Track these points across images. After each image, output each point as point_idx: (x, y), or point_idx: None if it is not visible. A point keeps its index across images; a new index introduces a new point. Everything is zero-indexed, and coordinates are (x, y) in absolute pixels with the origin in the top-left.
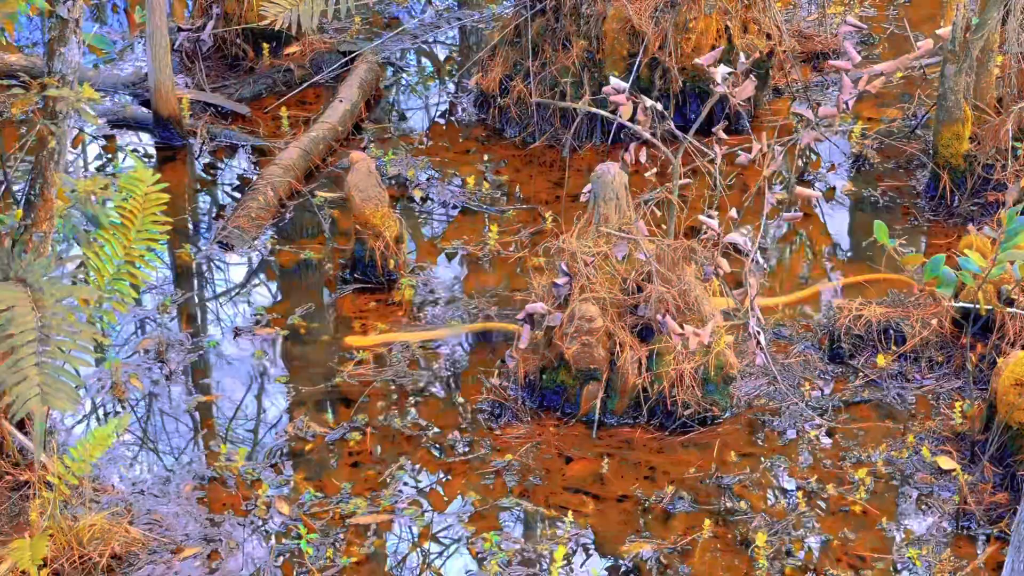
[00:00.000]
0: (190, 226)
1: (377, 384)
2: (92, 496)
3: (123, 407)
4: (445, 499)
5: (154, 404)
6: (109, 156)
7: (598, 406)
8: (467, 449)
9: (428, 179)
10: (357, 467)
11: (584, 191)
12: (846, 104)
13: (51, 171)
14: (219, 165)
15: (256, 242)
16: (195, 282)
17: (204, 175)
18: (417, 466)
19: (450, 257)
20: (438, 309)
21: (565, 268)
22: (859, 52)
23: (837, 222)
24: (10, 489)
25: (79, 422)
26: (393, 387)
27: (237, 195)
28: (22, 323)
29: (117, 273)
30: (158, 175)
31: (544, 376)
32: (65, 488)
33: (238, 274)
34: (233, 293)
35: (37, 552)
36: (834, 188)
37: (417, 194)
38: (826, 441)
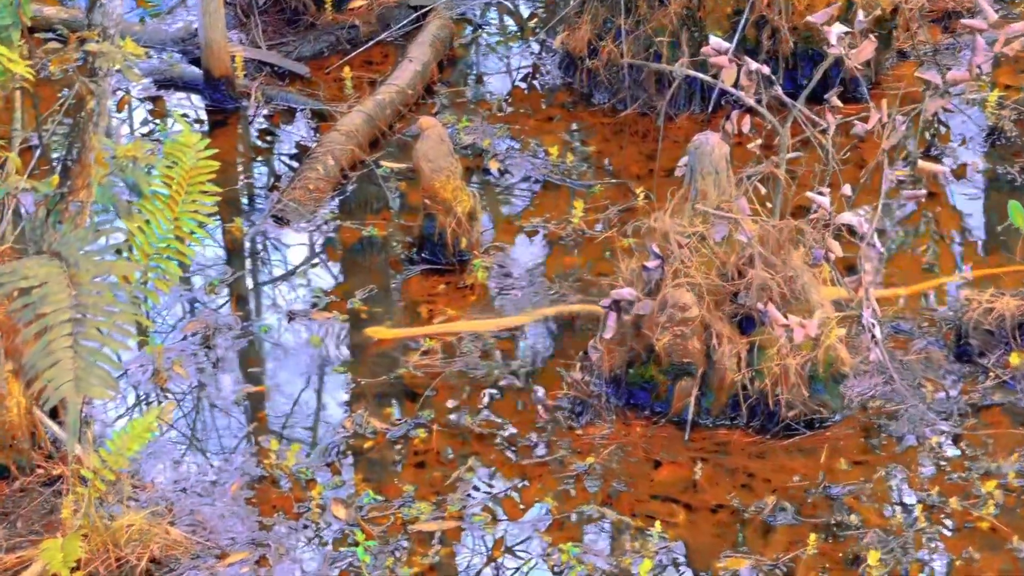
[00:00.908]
0: (243, 198)
1: (446, 376)
2: (130, 493)
3: (166, 396)
4: (520, 506)
5: (200, 394)
6: (156, 120)
7: (692, 405)
8: (545, 451)
9: (507, 149)
10: (422, 468)
11: (679, 164)
12: (980, 69)
13: (90, 134)
14: (275, 131)
15: (314, 217)
16: (247, 260)
17: (258, 142)
18: (489, 468)
19: (530, 236)
20: (515, 294)
21: (656, 250)
22: (996, 10)
23: (967, 203)
24: (42, 484)
25: (118, 412)
26: (464, 380)
27: (294, 164)
28: (56, 301)
29: (161, 249)
30: (208, 141)
31: (632, 370)
32: (101, 484)
33: (294, 252)
34: (288, 273)
35: (70, 553)
36: (965, 164)
37: (494, 166)
38: (950, 449)
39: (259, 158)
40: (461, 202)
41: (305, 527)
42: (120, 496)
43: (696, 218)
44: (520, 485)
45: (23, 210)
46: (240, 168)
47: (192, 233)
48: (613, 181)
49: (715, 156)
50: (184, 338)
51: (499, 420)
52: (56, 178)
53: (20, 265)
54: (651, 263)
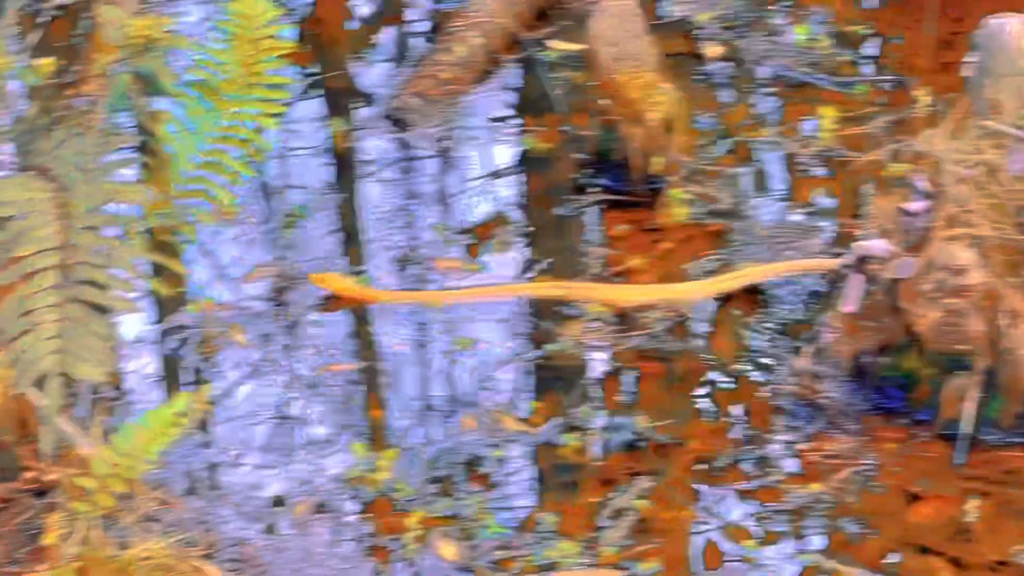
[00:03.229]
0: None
1: (613, 357)
2: (149, 512)
3: (216, 374)
4: (707, 551)
5: (262, 372)
6: None
7: (970, 412)
8: (751, 471)
9: (739, 26)
10: (570, 489)
11: (964, 60)
12: None
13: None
14: None
15: (447, 119)
16: (345, 178)
17: (360, 4)
18: (665, 495)
19: (749, 156)
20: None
21: (923, 186)
22: None
23: None
24: (32, 493)
25: (146, 395)
26: (642, 363)
27: (420, 43)
28: (38, 239)
29: (205, 164)
30: (279, 10)
31: (882, 360)
32: (107, 498)
33: (414, 170)
34: (403, 201)
35: None
36: None
37: (711, 52)
38: None
39: (359, 31)
40: (655, 105)
41: (397, 570)
42: (134, 515)
43: (984, 140)
44: (708, 520)
45: (9, 108)
46: (342, 43)
47: (249, 141)
48: (885, 78)
49: (1017, 49)
50: (244, 290)
51: (681, 423)
52: (50, 61)
53: None
54: (914, 204)
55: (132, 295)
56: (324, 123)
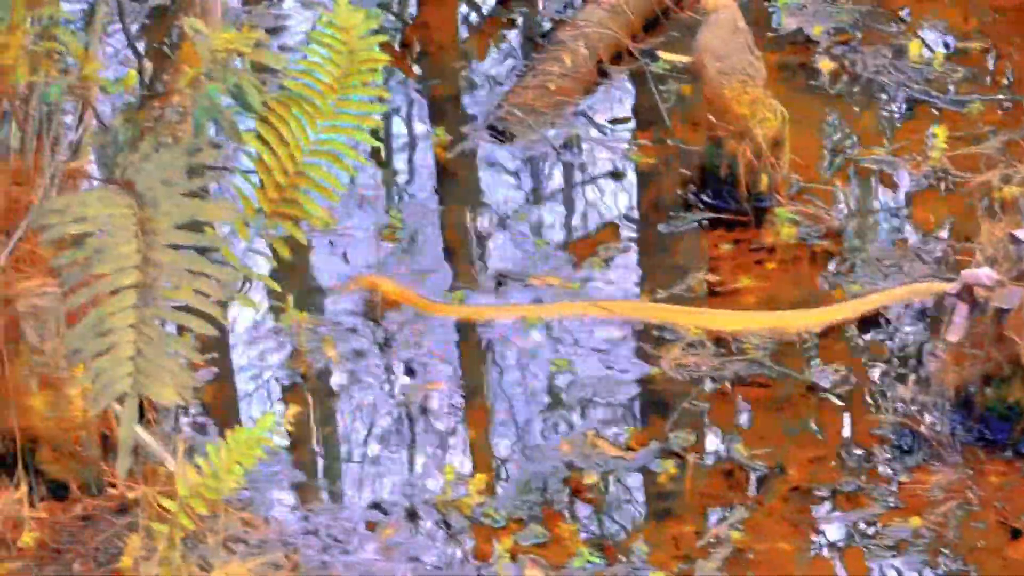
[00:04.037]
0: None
1: (715, 381)
2: (233, 534)
3: (307, 391)
4: None
5: (353, 389)
6: None
7: None
8: (850, 502)
9: (848, 40)
10: (665, 518)
11: None
12: None
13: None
14: None
15: (549, 130)
16: (446, 188)
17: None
18: (760, 525)
19: (865, 176)
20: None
21: None
22: None
23: None
24: (114, 511)
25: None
26: (740, 388)
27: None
28: (117, 257)
29: (295, 179)
30: (377, 19)
31: (989, 391)
32: (188, 519)
33: (515, 182)
34: (502, 216)
35: None
36: None
37: (825, 67)
38: None
39: (479, 37)
40: (763, 122)
41: None
42: (217, 537)
43: None
44: (804, 550)
45: (95, 120)
46: (448, 50)
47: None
48: (1001, 98)
49: None
50: (338, 304)
51: (782, 451)
52: (133, 73)
53: (76, 200)
54: (1022, 231)
55: (213, 315)
56: (427, 132)
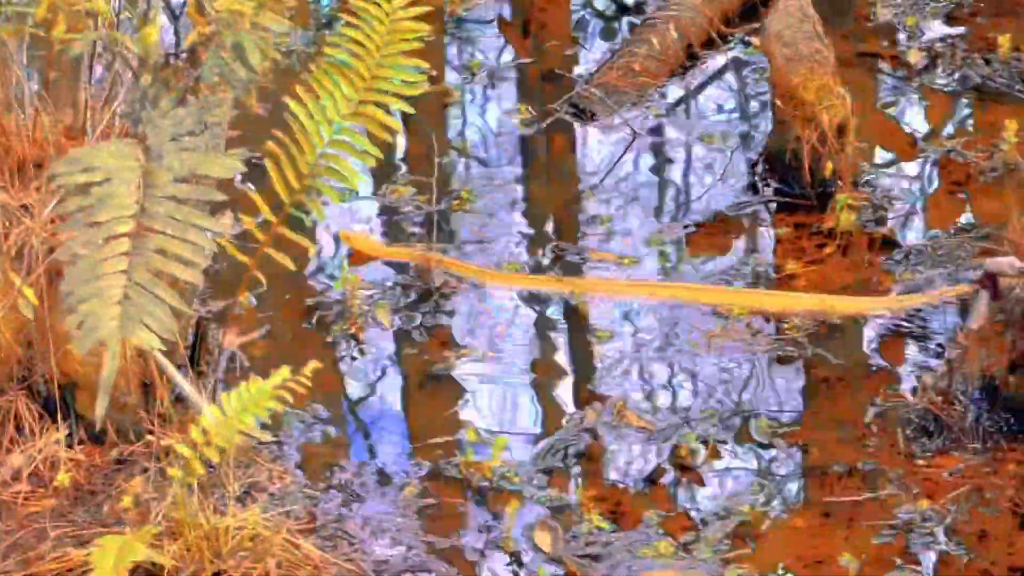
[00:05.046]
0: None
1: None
2: (261, 483)
3: (360, 351)
4: (800, 562)
5: (395, 352)
6: None
7: None
8: (863, 483)
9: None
10: (682, 488)
11: None
12: None
13: None
14: None
15: (632, 110)
16: (524, 162)
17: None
18: (769, 500)
19: (929, 166)
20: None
21: None
22: None
23: None
24: (150, 457)
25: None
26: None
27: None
28: (118, 206)
29: (335, 142)
30: None
31: (1013, 379)
32: (200, 465)
33: (591, 159)
34: (573, 193)
35: (124, 556)
36: None
37: (914, 57)
38: None
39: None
40: (830, 108)
41: (491, 556)
42: (236, 484)
43: None
44: (814, 528)
45: (124, 78)
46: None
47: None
48: None
49: None
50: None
51: (806, 430)
52: (152, 31)
53: (89, 152)
54: None
55: (203, 266)
56: (513, 106)
